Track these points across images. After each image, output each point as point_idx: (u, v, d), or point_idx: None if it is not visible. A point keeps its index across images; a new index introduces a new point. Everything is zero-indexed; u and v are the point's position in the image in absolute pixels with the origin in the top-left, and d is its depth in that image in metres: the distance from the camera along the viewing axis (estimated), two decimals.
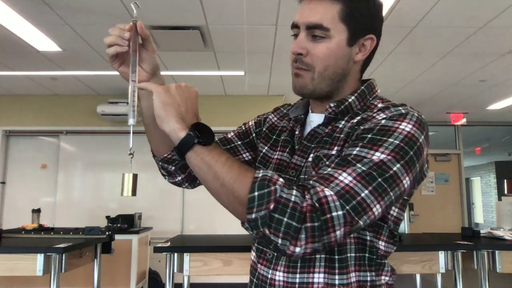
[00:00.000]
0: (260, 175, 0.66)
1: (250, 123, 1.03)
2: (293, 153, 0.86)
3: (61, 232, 3.04)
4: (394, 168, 0.67)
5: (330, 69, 0.80)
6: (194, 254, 2.35)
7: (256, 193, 0.64)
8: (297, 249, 0.63)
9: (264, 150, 0.93)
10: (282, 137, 0.91)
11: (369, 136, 0.71)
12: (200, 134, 0.71)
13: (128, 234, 3.90)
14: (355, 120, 0.79)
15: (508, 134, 8.10)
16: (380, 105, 0.81)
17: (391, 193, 0.67)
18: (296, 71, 0.83)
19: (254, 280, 0.85)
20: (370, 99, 0.84)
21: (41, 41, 3.48)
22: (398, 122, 0.72)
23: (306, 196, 0.64)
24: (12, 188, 5.30)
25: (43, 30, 3.28)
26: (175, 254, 2.36)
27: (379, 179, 0.66)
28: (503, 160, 11.74)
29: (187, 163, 0.74)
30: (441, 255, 2.41)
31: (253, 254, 0.90)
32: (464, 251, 2.43)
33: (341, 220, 0.63)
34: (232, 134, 1.02)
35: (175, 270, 2.36)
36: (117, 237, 3.21)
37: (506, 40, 3.45)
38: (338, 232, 0.63)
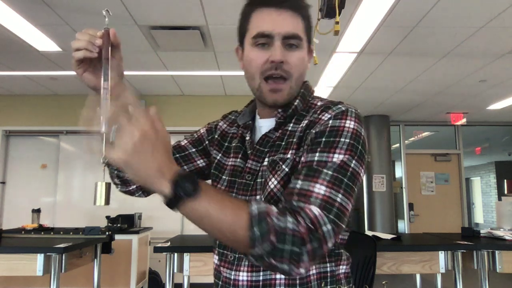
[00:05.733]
0: (255, 211, 0.66)
1: (202, 131, 1.05)
2: (246, 158, 0.89)
3: (61, 232, 3.04)
4: (352, 165, 0.75)
5: (301, 76, 0.88)
6: (194, 254, 2.35)
7: (256, 230, 0.65)
8: (302, 270, 0.68)
9: (218, 157, 0.97)
10: (233, 144, 0.95)
11: (324, 139, 0.77)
12: (184, 183, 0.63)
13: (128, 234, 3.90)
14: (303, 124, 0.85)
15: (508, 134, 8.10)
16: (319, 103, 0.88)
17: (355, 188, 0.75)
18: (274, 86, 0.84)
19: (220, 283, 0.88)
20: (310, 99, 0.91)
21: (41, 41, 3.48)
22: (343, 121, 0.79)
23: (300, 220, 0.67)
24: (12, 188, 5.30)
25: (43, 30, 3.28)
26: (175, 254, 2.36)
27: (345, 180, 0.73)
28: (503, 160, 11.74)
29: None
30: (441, 255, 2.41)
31: (215, 258, 0.92)
32: (464, 251, 2.43)
33: (331, 233, 0.69)
34: (185, 141, 1.03)
35: (175, 270, 2.36)
36: (117, 237, 3.21)
37: (506, 40, 3.45)
38: (330, 244, 0.70)
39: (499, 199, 9.70)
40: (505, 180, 11.46)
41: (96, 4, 2.87)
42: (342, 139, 0.76)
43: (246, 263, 0.82)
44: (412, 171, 6.81)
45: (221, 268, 0.88)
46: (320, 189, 0.71)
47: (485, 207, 13.33)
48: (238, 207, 0.67)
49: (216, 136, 1.01)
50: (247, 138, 0.92)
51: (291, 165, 0.81)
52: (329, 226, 0.68)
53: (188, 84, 4.92)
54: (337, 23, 2.24)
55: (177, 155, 0.99)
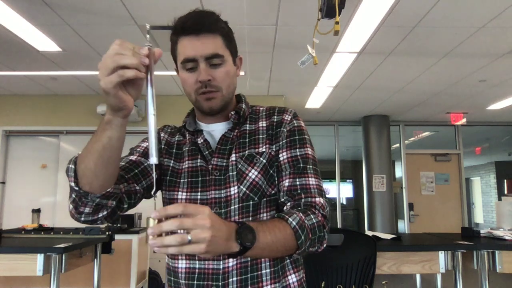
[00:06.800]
0: (294, 223, 0.84)
1: (145, 144, 1.07)
2: (205, 158, 1.00)
3: (61, 232, 3.04)
4: (314, 155, 1.01)
5: (231, 86, 1.00)
6: None
7: (302, 236, 0.84)
8: (325, 245, 0.91)
9: (171, 164, 1.04)
10: (185, 149, 1.04)
11: (297, 137, 1.00)
12: (246, 236, 0.75)
13: (128, 234, 3.90)
14: (263, 124, 1.03)
15: (508, 134, 8.10)
16: (262, 108, 1.08)
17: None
18: (207, 95, 0.96)
19: (196, 276, 0.94)
20: (250, 106, 1.10)
21: (41, 41, 3.48)
22: (299, 121, 1.03)
23: (316, 212, 0.90)
24: (12, 188, 5.30)
25: (43, 30, 3.28)
26: None
27: (317, 168, 0.99)
28: (503, 160, 11.74)
29: None
30: (441, 255, 2.41)
31: (183, 258, 0.97)
32: (464, 251, 2.43)
33: (328, 209, 0.95)
34: (135, 156, 1.02)
35: None
36: (117, 237, 3.21)
37: (506, 40, 3.45)
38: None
39: (499, 199, 9.70)
40: (505, 180, 11.47)
41: (96, 4, 2.87)
42: (305, 136, 1.02)
43: None
44: (412, 171, 6.81)
45: (203, 263, 0.94)
46: (312, 181, 0.95)
47: (485, 207, 13.33)
48: (282, 226, 0.83)
49: (163, 146, 1.07)
50: (201, 141, 1.02)
51: (267, 157, 0.98)
52: (327, 205, 0.94)
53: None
54: (337, 23, 2.24)
55: (136, 171, 0.98)
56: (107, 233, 2.97)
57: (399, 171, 6.99)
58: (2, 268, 2.28)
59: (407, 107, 5.98)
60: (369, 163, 6.56)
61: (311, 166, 0.97)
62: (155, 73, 0.74)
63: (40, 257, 2.24)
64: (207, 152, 1.00)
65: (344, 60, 3.96)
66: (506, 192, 11.26)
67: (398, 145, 6.96)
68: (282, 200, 0.95)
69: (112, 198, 0.89)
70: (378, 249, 2.18)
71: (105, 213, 0.91)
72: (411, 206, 6.69)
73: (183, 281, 0.95)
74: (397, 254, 2.41)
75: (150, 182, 1.00)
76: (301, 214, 0.86)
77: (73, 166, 0.84)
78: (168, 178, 1.02)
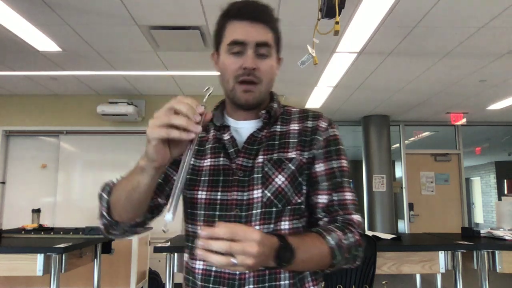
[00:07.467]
0: (332, 242, 0.84)
1: None
2: (229, 157, 0.94)
3: (61, 232, 3.04)
4: (348, 165, 0.98)
5: (271, 82, 0.97)
6: None
7: (338, 256, 0.85)
8: (358, 262, 0.92)
9: (191, 162, 0.97)
10: (208, 146, 0.99)
11: (334, 148, 0.96)
12: (284, 254, 0.76)
13: None
14: (296, 127, 0.98)
15: (508, 134, 8.10)
16: (294, 109, 1.03)
17: None
18: (247, 87, 0.93)
19: (212, 279, 0.90)
20: (281, 105, 1.04)
21: (41, 41, 3.48)
22: (334, 129, 0.98)
23: (353, 230, 0.90)
24: (12, 188, 5.30)
25: (43, 30, 3.28)
26: (175, 254, 2.36)
27: (350, 179, 0.97)
28: (503, 160, 11.75)
29: None
30: (441, 255, 2.41)
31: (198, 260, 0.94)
32: (464, 251, 2.43)
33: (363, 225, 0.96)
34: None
35: (175, 270, 2.36)
36: None
37: (506, 40, 3.45)
38: None
39: (499, 199, 9.70)
40: (505, 180, 11.46)
41: (96, 4, 2.87)
42: (341, 146, 0.98)
43: None
44: (412, 171, 6.81)
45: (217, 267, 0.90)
46: (348, 195, 0.94)
47: (485, 207, 13.33)
48: (320, 243, 0.84)
49: None
50: (227, 137, 0.97)
51: (297, 164, 0.92)
52: (363, 222, 0.94)
53: (188, 84, 4.92)
54: (337, 23, 2.24)
55: (160, 181, 0.97)
56: None
57: (399, 171, 6.99)
58: (2, 268, 2.28)
59: (407, 107, 5.98)
60: (369, 163, 6.56)
61: (346, 179, 0.95)
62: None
63: (40, 257, 2.24)
64: (232, 150, 0.95)
65: (344, 60, 3.96)
66: (506, 192, 11.26)
67: (398, 145, 6.96)
68: (319, 216, 0.93)
69: (140, 226, 0.94)
70: (378, 249, 2.18)
71: (132, 234, 0.97)
72: (411, 206, 6.69)
73: (200, 283, 0.92)
74: (397, 254, 2.41)
75: (170, 189, 0.97)
76: (340, 233, 0.87)
77: (106, 197, 0.89)
78: (188, 176, 0.97)
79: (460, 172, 6.85)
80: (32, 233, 3.06)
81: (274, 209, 0.89)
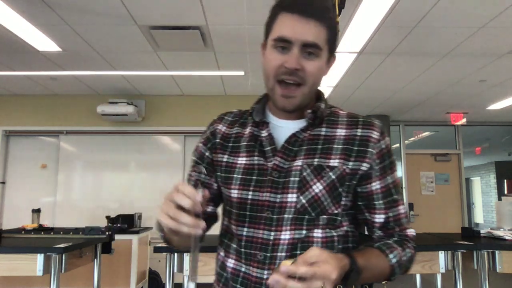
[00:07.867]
0: (394, 261, 0.86)
1: (200, 148, 1.01)
2: (264, 154, 0.89)
3: (61, 232, 3.04)
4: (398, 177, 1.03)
5: (316, 84, 0.90)
6: None
7: (397, 273, 0.89)
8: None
9: (225, 159, 0.95)
10: (243, 143, 0.94)
11: (388, 162, 0.92)
12: (353, 279, 0.77)
13: (128, 234, 3.90)
14: (343, 133, 0.91)
15: (508, 134, 8.09)
16: (342, 112, 0.97)
17: None
18: (287, 91, 0.87)
19: (240, 279, 0.88)
20: (329, 105, 0.98)
21: (41, 41, 3.48)
22: (386, 140, 0.92)
23: (410, 246, 0.92)
24: (12, 188, 5.30)
25: (43, 30, 3.28)
26: (175, 254, 2.36)
27: (399, 189, 0.96)
28: (503, 160, 11.74)
29: None
30: (441, 255, 2.41)
31: (232, 257, 0.91)
32: (464, 251, 2.43)
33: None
34: (203, 175, 0.99)
35: (175, 270, 2.36)
36: (117, 237, 3.21)
37: (506, 40, 3.45)
38: None
39: (499, 199, 9.70)
40: (505, 180, 11.46)
41: (96, 4, 2.87)
42: (393, 157, 0.94)
43: (278, 261, 0.84)
44: (412, 171, 6.81)
45: (245, 267, 0.88)
46: (401, 210, 0.93)
47: (485, 207, 13.33)
48: (382, 261, 0.85)
49: (218, 140, 0.98)
50: (265, 134, 0.91)
51: (339, 174, 0.86)
52: (415, 235, 0.95)
53: (188, 84, 4.92)
54: (337, 23, 2.24)
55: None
56: (107, 233, 2.97)
57: (399, 171, 6.99)
58: (2, 268, 2.28)
59: (407, 107, 5.98)
60: None
61: (399, 194, 0.95)
62: None
63: (40, 257, 2.24)
64: (268, 148, 0.89)
65: (344, 60, 3.96)
66: (506, 192, 11.26)
67: (398, 145, 6.96)
68: (376, 235, 0.93)
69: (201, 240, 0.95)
70: None
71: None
72: (411, 206, 6.69)
73: (231, 282, 0.90)
74: None
75: (214, 195, 0.97)
76: (400, 249, 0.89)
77: (162, 234, 0.92)
78: (223, 174, 0.94)
79: (460, 172, 6.85)
80: (32, 233, 3.06)
81: (306, 216, 0.85)
